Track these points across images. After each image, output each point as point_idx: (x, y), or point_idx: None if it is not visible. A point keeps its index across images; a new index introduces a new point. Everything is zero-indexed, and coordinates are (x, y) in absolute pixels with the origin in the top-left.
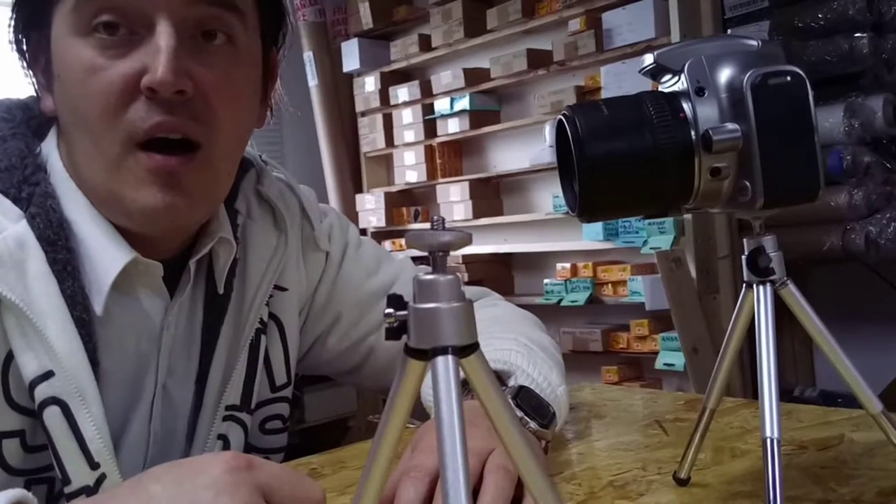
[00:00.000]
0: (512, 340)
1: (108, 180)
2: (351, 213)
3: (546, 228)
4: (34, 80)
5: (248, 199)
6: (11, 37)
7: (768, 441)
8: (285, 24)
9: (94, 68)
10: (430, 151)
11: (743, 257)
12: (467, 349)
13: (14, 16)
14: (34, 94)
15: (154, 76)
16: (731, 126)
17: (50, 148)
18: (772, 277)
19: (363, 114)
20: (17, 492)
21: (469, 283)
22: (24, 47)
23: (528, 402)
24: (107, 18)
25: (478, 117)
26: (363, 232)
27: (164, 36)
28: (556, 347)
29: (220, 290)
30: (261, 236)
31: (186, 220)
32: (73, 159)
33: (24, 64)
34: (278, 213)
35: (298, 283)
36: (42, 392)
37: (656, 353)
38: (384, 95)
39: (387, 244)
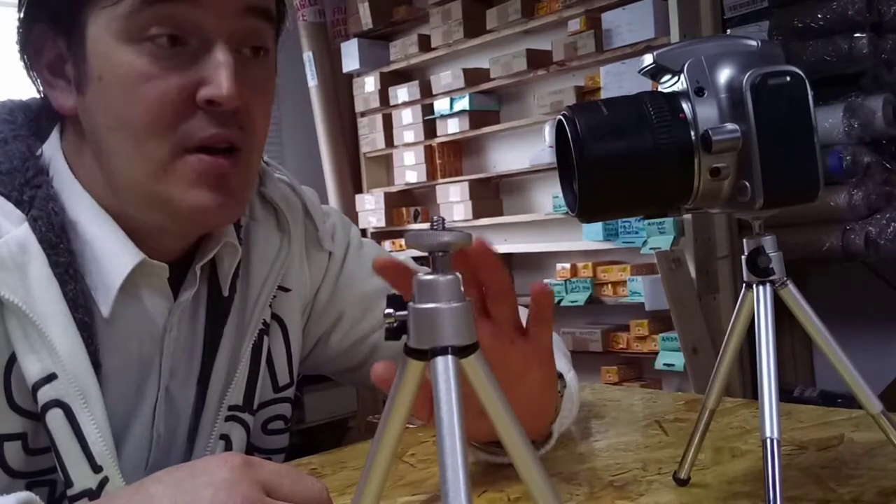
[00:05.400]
0: None
1: (153, 183)
2: (351, 214)
3: (546, 228)
4: (39, 77)
5: (251, 201)
6: (19, 30)
7: (768, 441)
8: (284, 23)
9: (148, 76)
10: (429, 152)
11: (743, 257)
12: (467, 349)
13: (27, 11)
14: (35, 96)
15: (219, 91)
16: (730, 126)
17: (52, 149)
18: (771, 277)
19: (363, 114)
20: (25, 494)
21: None
22: (31, 44)
23: None
24: (163, 29)
25: (477, 117)
26: (363, 232)
27: (223, 51)
28: (560, 339)
29: (225, 294)
30: (264, 238)
31: (231, 220)
32: (102, 161)
33: (28, 61)
34: (281, 214)
35: (302, 283)
36: (45, 394)
37: (656, 353)
38: (384, 96)
39: (387, 244)
